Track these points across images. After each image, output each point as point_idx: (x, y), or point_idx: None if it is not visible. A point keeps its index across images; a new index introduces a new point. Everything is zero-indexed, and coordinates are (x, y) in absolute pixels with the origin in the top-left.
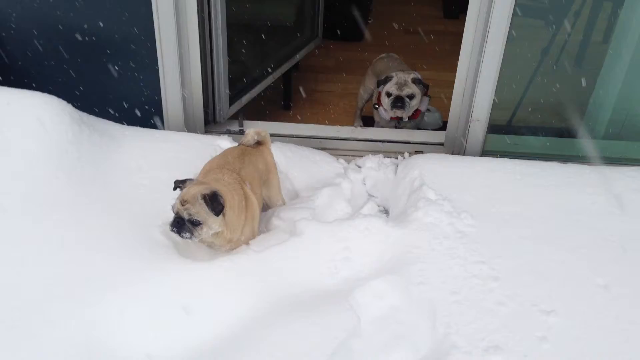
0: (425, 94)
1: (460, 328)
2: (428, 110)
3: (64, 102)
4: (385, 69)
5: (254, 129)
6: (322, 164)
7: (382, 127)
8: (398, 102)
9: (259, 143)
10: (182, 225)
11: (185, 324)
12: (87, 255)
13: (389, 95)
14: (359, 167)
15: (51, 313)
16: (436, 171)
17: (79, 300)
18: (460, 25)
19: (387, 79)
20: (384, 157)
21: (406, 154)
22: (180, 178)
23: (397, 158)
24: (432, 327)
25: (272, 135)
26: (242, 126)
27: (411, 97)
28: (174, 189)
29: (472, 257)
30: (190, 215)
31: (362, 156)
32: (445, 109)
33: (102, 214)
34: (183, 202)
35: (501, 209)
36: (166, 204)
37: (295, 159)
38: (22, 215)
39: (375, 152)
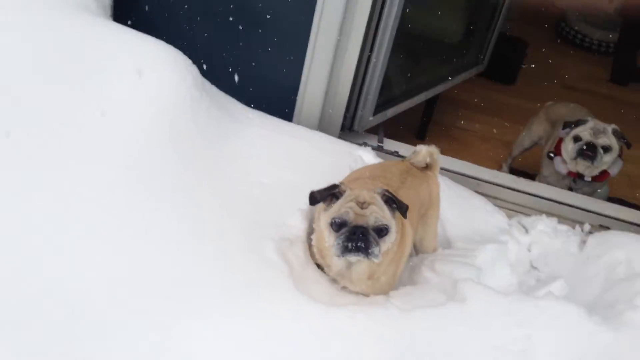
0: (620, 154)
1: None
2: None
3: (189, 61)
4: (566, 117)
5: (427, 146)
6: (482, 212)
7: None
8: (589, 150)
9: (426, 167)
10: (367, 237)
11: None
12: (174, 255)
13: (576, 140)
14: (524, 227)
15: (110, 327)
16: None
17: (151, 319)
18: (628, 93)
19: (579, 122)
20: (559, 222)
21: (587, 226)
22: (317, 188)
23: (574, 228)
24: None
25: None
26: (382, 142)
27: (607, 149)
28: (312, 203)
29: None
30: (377, 219)
31: (526, 214)
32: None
33: (206, 205)
34: (363, 204)
35: None
36: (287, 214)
37: (451, 198)
38: (108, 180)
39: (544, 213)
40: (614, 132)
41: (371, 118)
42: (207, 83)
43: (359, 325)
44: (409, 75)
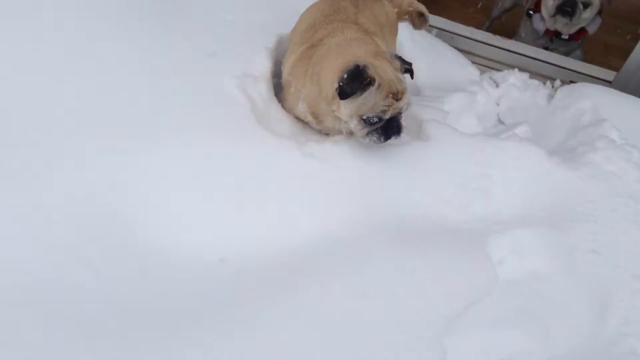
0: (600, 12)
1: None
2: None
3: None
4: None
5: None
6: (454, 64)
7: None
8: (567, 5)
9: None
10: (400, 124)
11: (247, 221)
12: (132, 89)
13: None
14: (495, 82)
15: (68, 152)
16: (617, 109)
17: (107, 148)
18: None
19: None
20: (530, 77)
21: (557, 82)
22: (345, 78)
23: (544, 84)
24: (598, 317)
25: None
26: None
27: (586, 5)
28: (343, 97)
29: None
30: (407, 105)
31: (499, 69)
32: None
33: (165, 40)
34: (398, 95)
35: None
36: (252, 51)
37: (423, 47)
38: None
39: (518, 68)
40: None
41: None
42: None
43: (321, 159)
44: None
